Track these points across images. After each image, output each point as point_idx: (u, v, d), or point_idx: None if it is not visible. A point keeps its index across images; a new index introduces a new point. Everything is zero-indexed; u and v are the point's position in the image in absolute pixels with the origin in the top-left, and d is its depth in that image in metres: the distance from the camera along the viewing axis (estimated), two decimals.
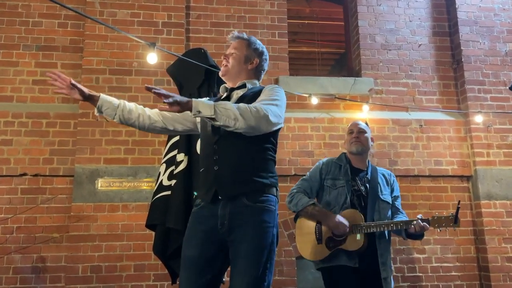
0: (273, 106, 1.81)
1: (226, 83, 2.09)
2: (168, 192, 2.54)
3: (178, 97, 1.67)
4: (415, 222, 2.44)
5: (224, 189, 1.80)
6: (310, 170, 2.78)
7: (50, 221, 3.56)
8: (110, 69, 3.79)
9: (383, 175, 2.72)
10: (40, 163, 3.64)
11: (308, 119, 4.02)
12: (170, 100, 1.64)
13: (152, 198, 2.63)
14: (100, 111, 1.89)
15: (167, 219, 2.47)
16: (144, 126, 1.98)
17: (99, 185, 3.57)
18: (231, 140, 1.83)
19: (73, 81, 1.85)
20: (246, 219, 1.77)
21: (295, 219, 2.68)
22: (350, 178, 2.60)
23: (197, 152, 2.36)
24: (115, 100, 1.92)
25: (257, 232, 1.76)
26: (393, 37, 4.34)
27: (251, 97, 1.91)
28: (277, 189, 1.88)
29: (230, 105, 1.74)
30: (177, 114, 2.02)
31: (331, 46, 5.72)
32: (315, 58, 5.46)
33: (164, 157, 2.70)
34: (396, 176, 2.88)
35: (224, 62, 2.05)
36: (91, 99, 1.88)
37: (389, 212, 2.61)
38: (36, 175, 3.62)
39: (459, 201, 2.54)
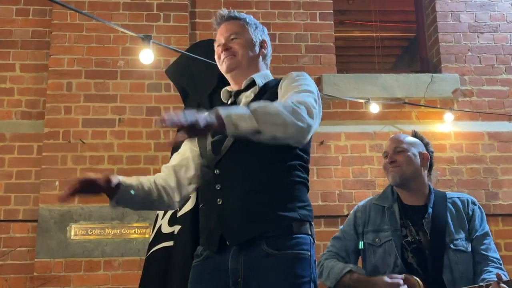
0: (310, 99, 1.73)
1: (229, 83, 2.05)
2: (170, 243, 2.57)
3: (201, 117, 1.49)
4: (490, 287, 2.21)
5: (233, 232, 1.77)
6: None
7: (6, 285, 3.61)
8: (87, 70, 3.89)
9: (454, 204, 2.53)
10: None
11: (365, 135, 4.02)
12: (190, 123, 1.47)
13: (148, 252, 2.66)
14: (116, 203, 1.87)
15: (169, 281, 2.49)
16: (169, 207, 2.10)
17: (72, 233, 3.63)
18: (238, 158, 1.81)
19: (112, 179, 1.80)
20: (269, 276, 1.71)
21: None
22: (399, 226, 2.49)
23: None
24: (132, 183, 1.90)
25: None
26: (486, 14, 4.32)
27: (268, 97, 1.84)
28: (311, 224, 1.84)
29: (267, 105, 1.65)
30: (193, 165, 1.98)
31: (395, 29, 5.72)
32: (373, 46, 5.46)
33: None
34: (498, 215, 2.83)
35: (225, 54, 1.96)
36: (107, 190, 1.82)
37: (471, 265, 2.44)
38: None
39: None
